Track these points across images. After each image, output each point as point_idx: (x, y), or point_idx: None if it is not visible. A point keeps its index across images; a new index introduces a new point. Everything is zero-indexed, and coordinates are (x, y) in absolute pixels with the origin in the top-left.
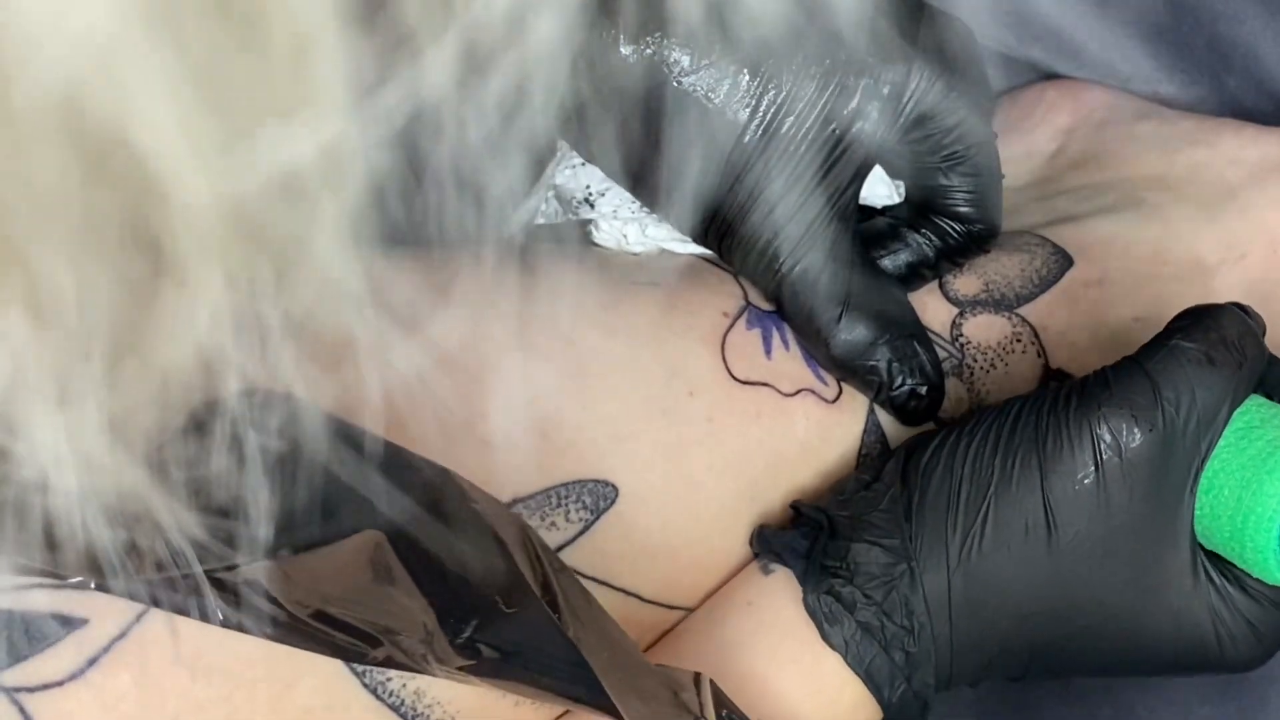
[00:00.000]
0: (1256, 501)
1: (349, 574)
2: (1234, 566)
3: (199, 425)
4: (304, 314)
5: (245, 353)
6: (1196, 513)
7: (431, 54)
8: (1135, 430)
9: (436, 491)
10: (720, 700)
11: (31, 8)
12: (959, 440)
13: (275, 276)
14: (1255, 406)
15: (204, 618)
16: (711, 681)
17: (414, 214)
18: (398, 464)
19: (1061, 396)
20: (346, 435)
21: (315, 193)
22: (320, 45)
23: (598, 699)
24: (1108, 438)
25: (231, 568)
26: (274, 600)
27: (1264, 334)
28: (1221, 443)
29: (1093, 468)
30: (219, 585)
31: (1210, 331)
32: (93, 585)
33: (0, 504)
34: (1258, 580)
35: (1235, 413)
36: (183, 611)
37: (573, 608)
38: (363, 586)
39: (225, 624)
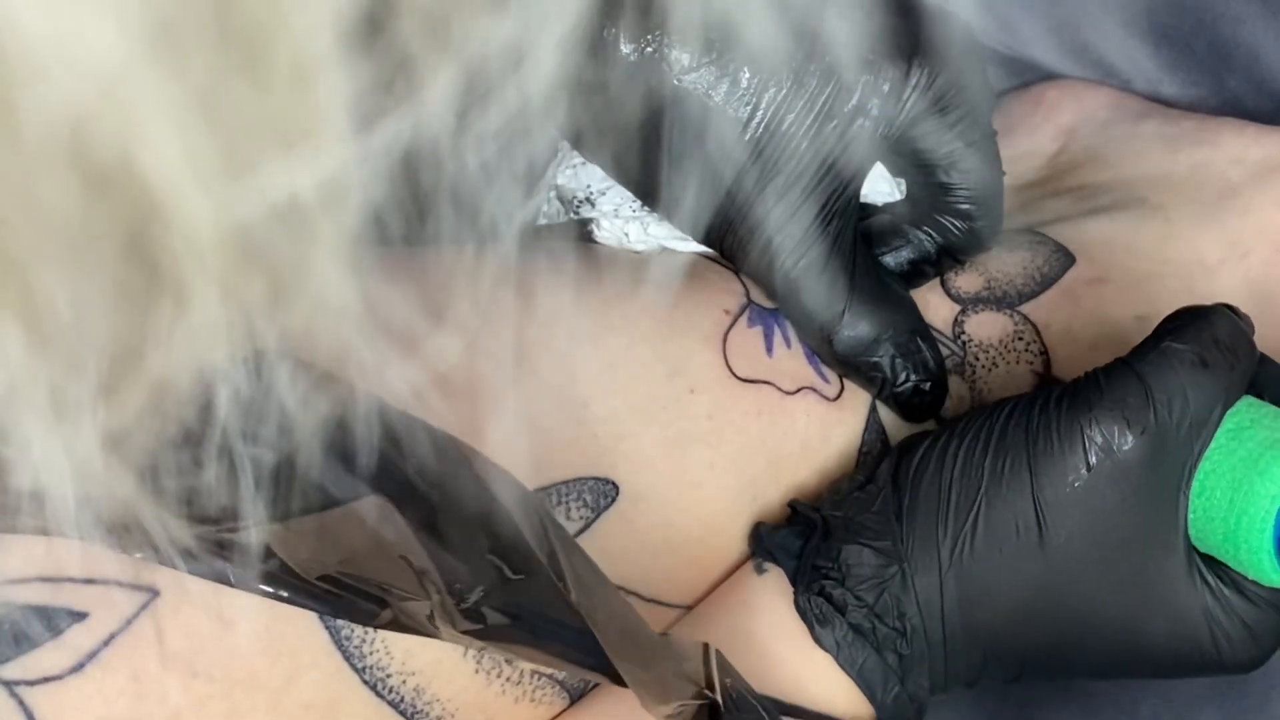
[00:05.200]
0: (1249, 503)
1: (354, 538)
2: (1230, 569)
3: (194, 412)
4: (300, 333)
5: (242, 370)
6: (1190, 516)
7: (430, 82)
8: (1127, 433)
9: (439, 457)
10: (726, 670)
11: (38, 34)
12: (949, 442)
13: (273, 296)
14: (1246, 407)
15: (213, 578)
16: (718, 652)
17: (412, 235)
18: (399, 429)
19: (1053, 398)
20: (347, 399)
21: (315, 217)
22: (322, 73)
23: (603, 666)
24: (1099, 439)
25: (237, 529)
26: (281, 562)
27: (1253, 334)
28: (1213, 444)
29: (1084, 470)
30: (224, 547)
31: (1203, 333)
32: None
33: None
34: (1254, 582)
35: (1227, 414)
36: (193, 571)
37: (578, 577)
38: (368, 550)
39: (227, 581)
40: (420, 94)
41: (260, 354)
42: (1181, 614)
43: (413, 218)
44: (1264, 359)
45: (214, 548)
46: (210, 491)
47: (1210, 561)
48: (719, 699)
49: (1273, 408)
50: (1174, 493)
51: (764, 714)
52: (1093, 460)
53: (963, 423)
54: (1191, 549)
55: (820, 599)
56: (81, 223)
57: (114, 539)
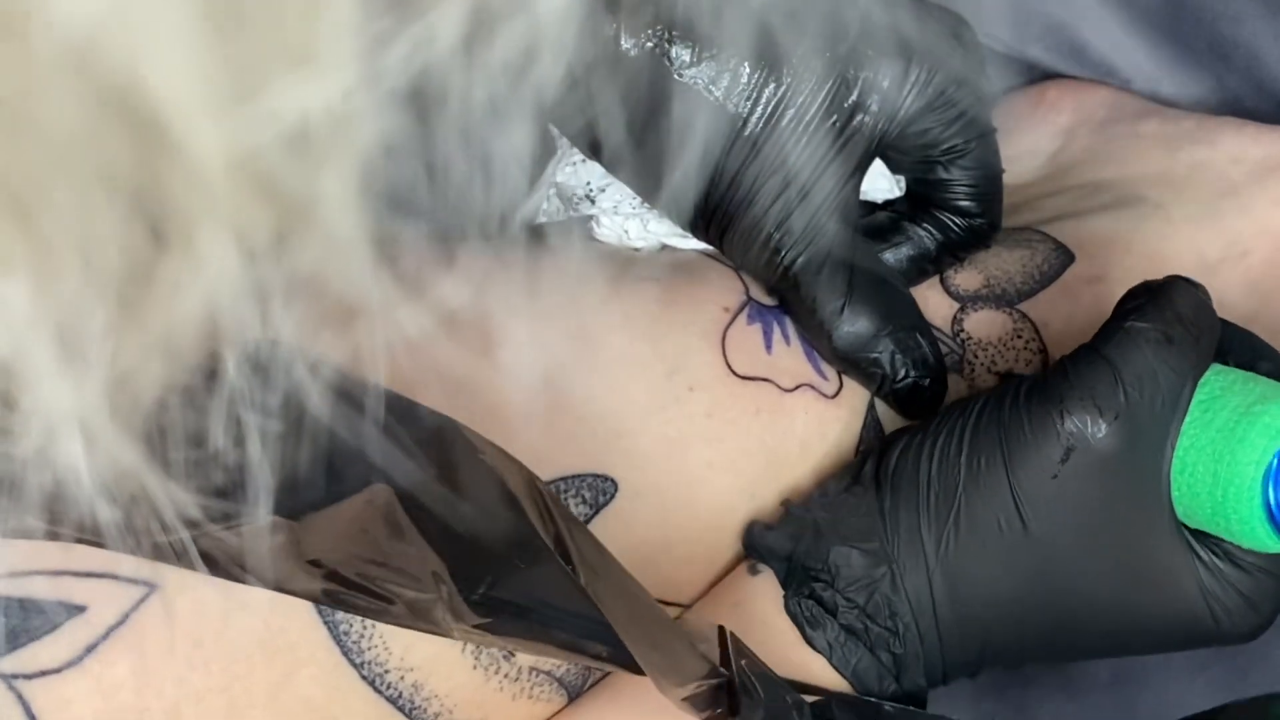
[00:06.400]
0: (1234, 473)
1: (359, 531)
2: (1221, 541)
3: (200, 382)
4: (310, 273)
5: (250, 314)
6: (1174, 493)
7: (440, 11)
8: (1100, 421)
9: (443, 445)
10: (740, 651)
11: None
12: (924, 441)
13: (282, 234)
14: (1215, 375)
15: (215, 573)
16: (733, 634)
17: (421, 176)
18: (402, 417)
19: (1023, 391)
20: (348, 387)
21: (324, 147)
22: None
23: (617, 654)
24: (1073, 430)
25: (241, 524)
26: (283, 558)
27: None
28: (1188, 419)
29: (1059, 461)
30: (226, 542)
31: (1164, 309)
32: (101, 544)
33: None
34: (1247, 551)
35: (1197, 386)
36: (195, 567)
37: (587, 562)
38: (374, 544)
39: (228, 576)
40: (429, 21)
41: (269, 344)
42: (1176, 591)
43: (420, 156)
44: (1224, 323)
45: (216, 542)
46: (214, 484)
47: (1200, 536)
48: (735, 678)
49: (1240, 373)
50: (1155, 473)
51: (782, 693)
52: (1067, 452)
53: (936, 420)
54: (1179, 526)
55: (811, 601)
56: (90, 156)
57: (119, 520)
